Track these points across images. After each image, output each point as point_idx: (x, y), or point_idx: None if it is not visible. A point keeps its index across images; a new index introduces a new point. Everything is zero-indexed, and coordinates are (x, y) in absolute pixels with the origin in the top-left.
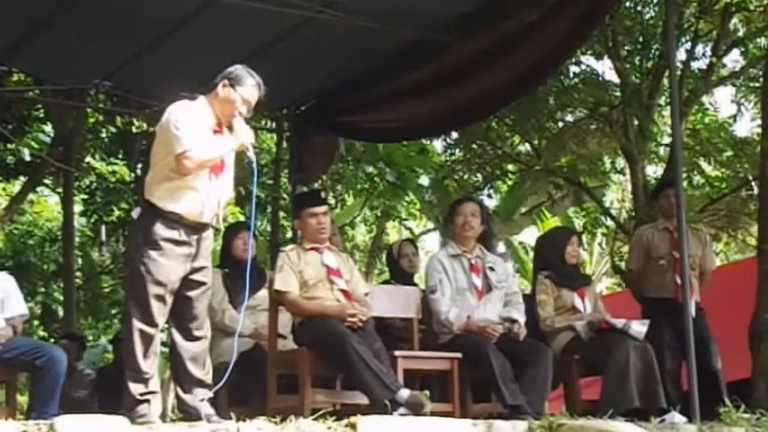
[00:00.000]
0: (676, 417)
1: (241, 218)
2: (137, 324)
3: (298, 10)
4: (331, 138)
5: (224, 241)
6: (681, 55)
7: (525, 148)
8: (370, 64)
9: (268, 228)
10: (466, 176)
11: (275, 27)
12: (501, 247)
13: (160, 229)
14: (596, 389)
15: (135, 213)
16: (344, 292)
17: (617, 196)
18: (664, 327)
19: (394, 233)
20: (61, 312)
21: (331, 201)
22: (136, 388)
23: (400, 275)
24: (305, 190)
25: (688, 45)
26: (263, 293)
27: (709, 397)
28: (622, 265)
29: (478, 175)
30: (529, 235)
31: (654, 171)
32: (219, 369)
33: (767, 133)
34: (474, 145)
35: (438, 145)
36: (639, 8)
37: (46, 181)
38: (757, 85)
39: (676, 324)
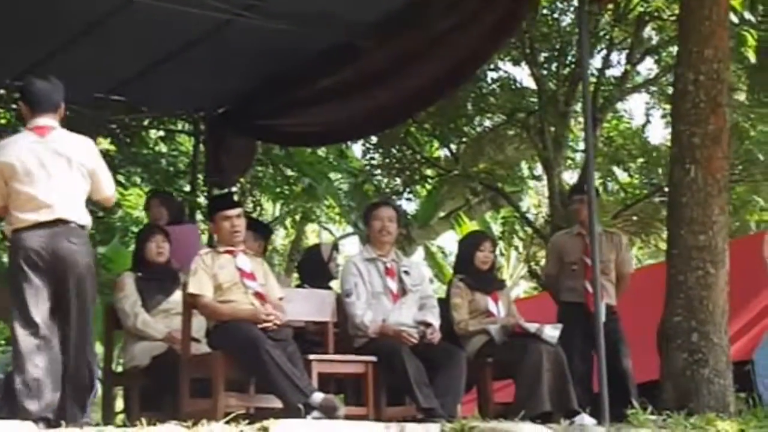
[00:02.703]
0: (585, 419)
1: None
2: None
3: (215, 12)
4: (249, 141)
5: (137, 245)
6: (597, 62)
7: (443, 153)
8: (288, 67)
9: None
10: (385, 180)
11: (191, 29)
12: None
13: None
14: (509, 392)
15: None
16: (259, 295)
17: (534, 201)
18: (576, 330)
19: (313, 237)
20: None
21: (249, 205)
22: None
23: (325, 279)
24: (219, 193)
25: (604, 53)
26: (177, 297)
27: (620, 400)
28: (539, 269)
29: (397, 179)
30: (447, 240)
31: (570, 177)
32: (131, 373)
33: (677, 140)
34: (393, 150)
35: (357, 149)
36: (556, 16)
37: None
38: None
39: (588, 328)
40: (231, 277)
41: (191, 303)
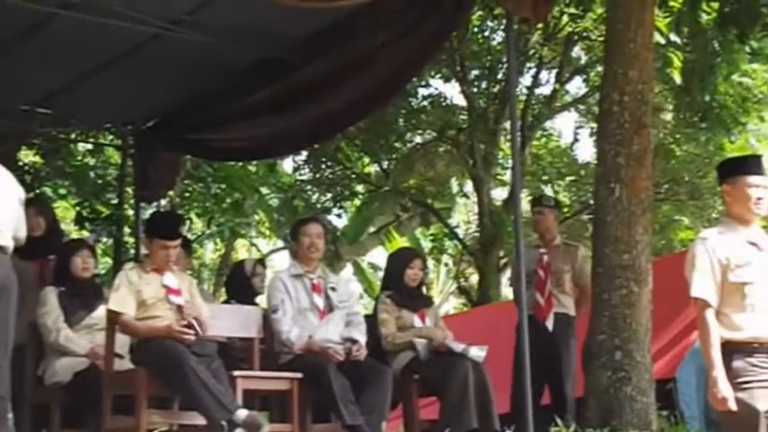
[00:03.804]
0: None
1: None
2: None
3: (142, 26)
4: (177, 155)
5: (62, 259)
6: (526, 80)
7: (374, 168)
8: (217, 81)
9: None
10: (315, 196)
11: (119, 42)
12: None
13: None
14: (435, 409)
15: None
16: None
17: (464, 218)
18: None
19: (243, 252)
20: None
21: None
22: None
23: (249, 294)
24: (160, 211)
25: (534, 71)
26: (101, 312)
27: (559, 415)
28: (467, 285)
29: (328, 194)
30: (378, 255)
31: (500, 194)
32: (52, 389)
33: (602, 160)
34: (323, 165)
35: (288, 164)
36: (486, 34)
37: None
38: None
39: (538, 339)
40: (156, 293)
41: (112, 319)
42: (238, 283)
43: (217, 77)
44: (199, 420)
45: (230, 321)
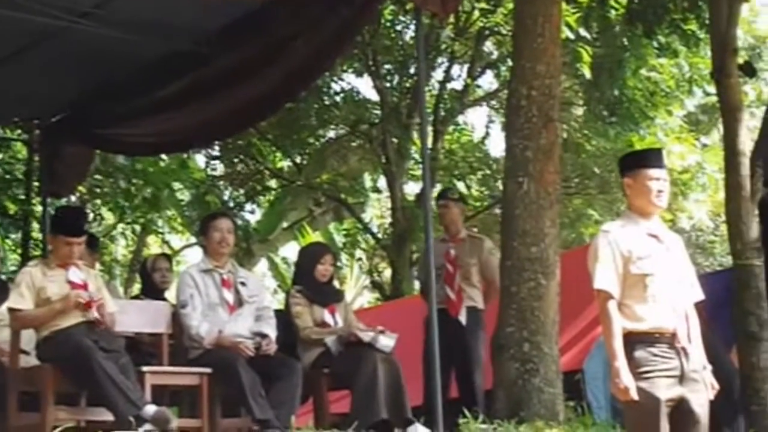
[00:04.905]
0: (419, 429)
1: None
2: None
3: (50, 19)
4: (85, 150)
5: None
6: (438, 75)
7: (287, 164)
8: (127, 75)
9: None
10: (228, 191)
11: (26, 35)
12: None
13: None
14: (347, 402)
15: None
16: (89, 305)
17: (377, 213)
18: (439, 336)
19: (155, 247)
20: None
21: (89, 215)
22: None
23: (152, 290)
24: (65, 207)
25: (445, 66)
26: (5, 309)
27: (471, 407)
28: (381, 280)
29: (240, 190)
30: (291, 251)
31: (413, 189)
32: None
33: (510, 154)
34: (236, 160)
35: (200, 159)
36: (399, 28)
37: None
38: None
39: (448, 334)
40: (60, 289)
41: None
42: (145, 279)
43: (126, 71)
44: (107, 416)
45: (139, 316)
